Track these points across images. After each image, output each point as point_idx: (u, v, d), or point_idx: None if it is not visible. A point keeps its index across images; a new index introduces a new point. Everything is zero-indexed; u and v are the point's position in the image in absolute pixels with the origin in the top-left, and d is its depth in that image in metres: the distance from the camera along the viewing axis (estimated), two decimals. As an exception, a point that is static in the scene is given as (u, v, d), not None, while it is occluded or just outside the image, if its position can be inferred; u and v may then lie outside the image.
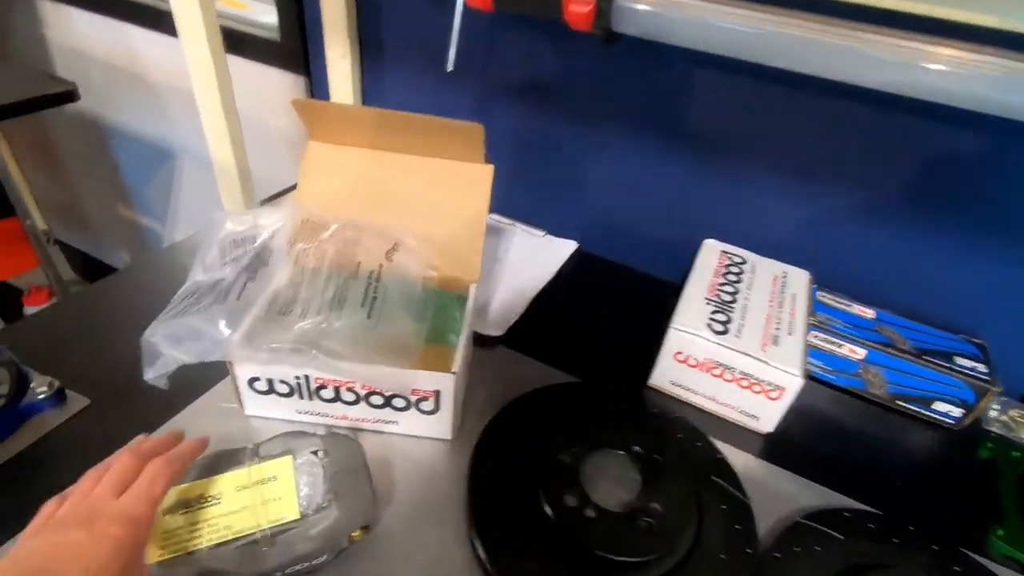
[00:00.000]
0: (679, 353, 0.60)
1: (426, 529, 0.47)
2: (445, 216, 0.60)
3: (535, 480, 0.48)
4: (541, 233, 0.87)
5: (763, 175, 0.72)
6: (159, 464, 0.37)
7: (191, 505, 0.41)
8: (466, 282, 0.60)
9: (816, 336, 0.65)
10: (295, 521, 0.40)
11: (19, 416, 0.52)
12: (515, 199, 0.82)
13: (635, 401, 0.60)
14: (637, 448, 0.52)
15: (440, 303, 0.57)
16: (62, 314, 0.68)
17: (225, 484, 0.42)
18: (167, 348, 0.46)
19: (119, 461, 0.37)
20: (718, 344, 0.57)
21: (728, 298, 0.63)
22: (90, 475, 0.37)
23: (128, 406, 0.55)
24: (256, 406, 0.54)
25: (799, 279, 0.67)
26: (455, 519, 0.48)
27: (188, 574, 0.37)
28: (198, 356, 0.46)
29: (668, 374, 0.62)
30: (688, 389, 0.61)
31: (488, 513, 0.47)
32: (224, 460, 0.43)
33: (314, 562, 0.42)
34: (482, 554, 0.44)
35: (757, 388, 0.57)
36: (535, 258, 0.81)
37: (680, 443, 0.54)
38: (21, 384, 0.53)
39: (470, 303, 0.57)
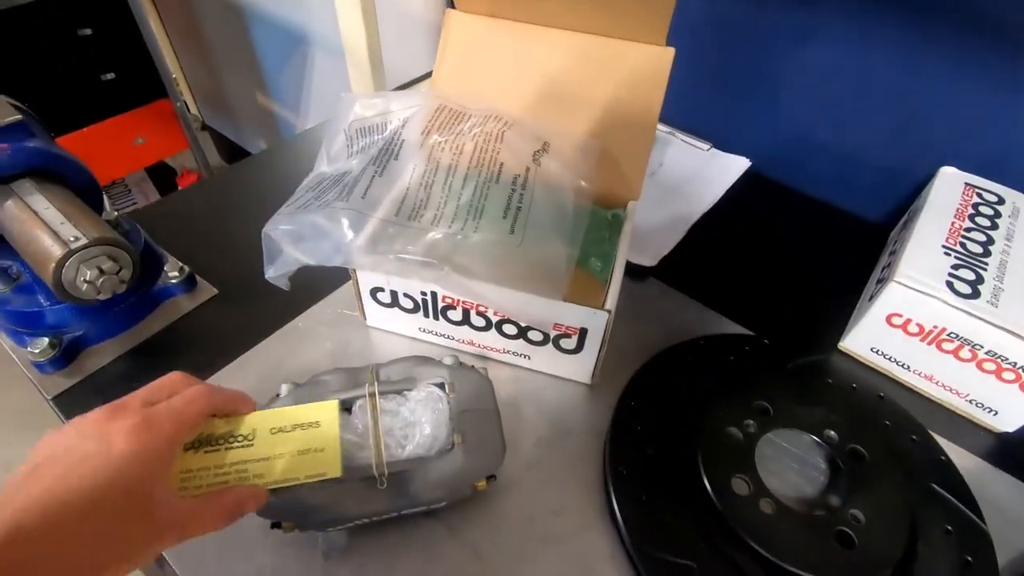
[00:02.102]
0: (896, 315, 0.45)
1: (554, 487, 0.40)
2: (607, 113, 0.48)
3: (695, 453, 0.39)
4: (706, 146, 0.72)
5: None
6: (202, 388, 0.30)
7: (215, 443, 0.32)
8: (624, 199, 0.48)
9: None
10: (415, 460, 0.35)
11: (152, 299, 0.51)
12: (676, 100, 0.66)
13: (822, 368, 0.48)
14: (831, 432, 0.40)
15: (590, 221, 0.46)
16: (194, 199, 0.67)
17: (257, 422, 0.33)
18: (288, 246, 0.40)
19: (166, 376, 0.31)
20: (962, 310, 0.42)
21: (978, 249, 0.46)
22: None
23: (253, 300, 0.52)
24: (378, 317, 0.49)
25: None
26: (589, 481, 0.41)
27: (300, 510, 0.33)
28: (319, 259, 0.40)
29: (871, 339, 0.48)
30: (897, 362, 0.47)
31: (632, 482, 0.39)
32: (344, 379, 0.38)
33: (431, 507, 0.37)
34: (624, 534, 0.36)
35: (1010, 375, 0.42)
36: (697, 176, 0.67)
37: (888, 433, 0.42)
38: (155, 267, 0.52)
39: (628, 225, 0.46)
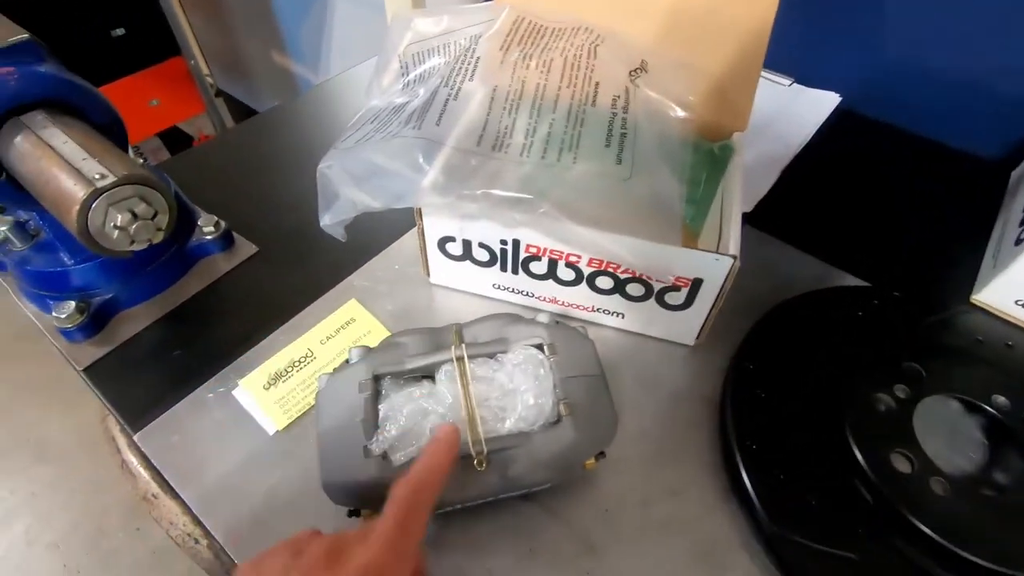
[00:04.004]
0: (1057, 261, 0.38)
1: (666, 464, 0.35)
2: (710, 27, 0.40)
3: (841, 424, 0.32)
4: (787, 81, 0.64)
5: None
6: (407, 498, 0.24)
7: (288, 371, 0.38)
8: (728, 129, 0.41)
9: None
10: (517, 436, 0.29)
11: (187, 258, 0.45)
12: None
13: (966, 324, 0.41)
14: (999, 398, 0.34)
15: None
16: (219, 153, 0.60)
17: (311, 340, 0.40)
18: (346, 187, 0.34)
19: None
20: None
21: None
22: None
23: (296, 258, 0.46)
24: (444, 273, 0.42)
25: None
26: (706, 456, 0.35)
27: (382, 496, 0.28)
28: (385, 201, 0.34)
29: (1019, 289, 0.41)
30: (1053, 316, 0.41)
31: (765, 458, 0.32)
32: (423, 341, 0.32)
33: (531, 490, 0.31)
34: (763, 518, 0.30)
35: None
36: (782, 115, 0.60)
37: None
38: (188, 222, 0.46)
39: (738, 159, 0.39)
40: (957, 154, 0.56)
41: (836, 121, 0.59)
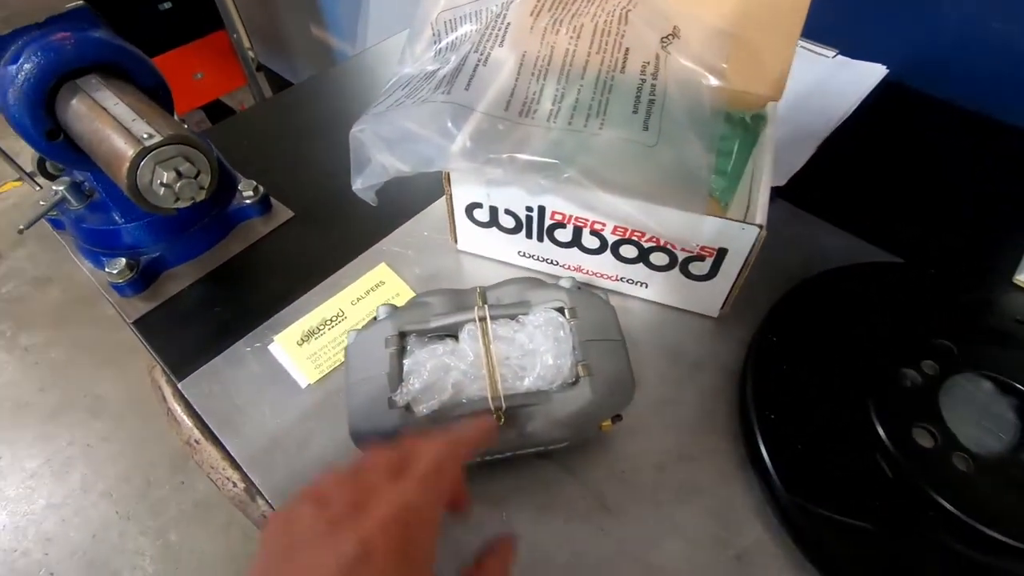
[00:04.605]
0: (1110, 240, 0.37)
1: (684, 431, 0.35)
2: (747, -8, 0.39)
3: (863, 398, 0.32)
4: (831, 53, 0.61)
5: None
6: (444, 448, 0.23)
7: (320, 329, 0.40)
8: (763, 99, 0.40)
9: None
10: (535, 394, 0.30)
11: (228, 221, 0.47)
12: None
13: (1005, 304, 0.40)
14: (1034, 377, 0.33)
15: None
16: (259, 121, 0.62)
17: (342, 300, 0.42)
18: (378, 151, 0.35)
19: (365, 459, 0.23)
20: None
21: None
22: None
23: (331, 223, 0.48)
24: (471, 240, 0.43)
25: None
26: (725, 425, 0.35)
27: (387, 440, 0.29)
28: (415, 165, 0.34)
29: (1065, 271, 0.39)
30: (1101, 298, 0.39)
31: (784, 429, 0.33)
32: (448, 301, 0.33)
33: (548, 448, 0.32)
34: (779, 487, 0.31)
35: None
36: (824, 88, 0.58)
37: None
38: (229, 186, 0.48)
39: (770, 129, 0.39)
40: (1010, 129, 0.54)
41: (883, 94, 0.57)
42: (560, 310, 0.32)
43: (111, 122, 0.32)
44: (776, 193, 0.48)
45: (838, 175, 0.50)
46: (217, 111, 1.51)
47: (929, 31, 0.56)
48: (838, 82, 0.58)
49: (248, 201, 0.48)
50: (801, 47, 0.63)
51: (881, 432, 0.31)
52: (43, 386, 1.24)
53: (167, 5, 1.16)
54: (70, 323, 1.35)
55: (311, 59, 1.60)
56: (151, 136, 0.31)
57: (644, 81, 0.34)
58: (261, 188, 0.48)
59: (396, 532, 0.19)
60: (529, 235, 0.40)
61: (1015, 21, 0.51)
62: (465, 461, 0.24)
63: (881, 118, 0.55)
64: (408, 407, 0.30)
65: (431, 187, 0.48)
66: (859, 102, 0.56)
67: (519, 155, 0.32)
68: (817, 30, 0.61)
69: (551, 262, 0.42)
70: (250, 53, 1.34)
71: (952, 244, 0.45)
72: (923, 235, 0.45)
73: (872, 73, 0.59)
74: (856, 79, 0.59)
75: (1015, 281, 0.42)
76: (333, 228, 0.48)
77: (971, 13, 0.53)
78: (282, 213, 0.49)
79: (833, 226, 0.46)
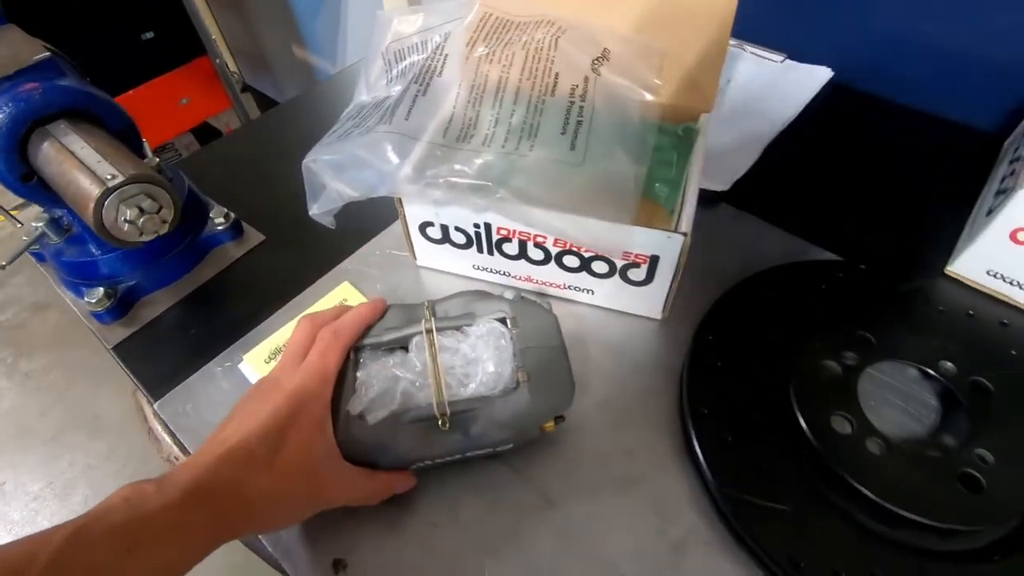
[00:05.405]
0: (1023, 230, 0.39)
1: (626, 428, 0.37)
2: (677, 14, 0.42)
3: (786, 389, 0.35)
4: (779, 57, 0.64)
5: None
6: (327, 338, 0.33)
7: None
8: (695, 111, 0.43)
9: None
10: (478, 400, 0.32)
11: (201, 247, 0.50)
12: (742, 6, 0.59)
13: (929, 295, 0.42)
14: (946, 364, 0.35)
15: (655, 140, 0.41)
16: (236, 147, 0.65)
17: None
18: (330, 179, 0.38)
19: (294, 333, 0.34)
20: (1113, 220, 0.35)
21: None
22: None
23: (300, 245, 0.51)
24: (428, 256, 0.46)
25: None
26: (664, 421, 0.37)
27: (360, 450, 0.32)
28: (363, 191, 0.37)
29: (988, 260, 0.42)
30: (1022, 286, 0.41)
31: (715, 422, 0.35)
32: (398, 316, 0.36)
33: (496, 449, 0.34)
34: (708, 476, 0.33)
35: None
36: (771, 92, 0.60)
37: (1017, 363, 0.36)
38: (201, 214, 0.51)
39: (702, 140, 0.41)
40: (951, 125, 0.56)
41: (829, 96, 0.60)
42: (503, 320, 0.35)
43: (77, 164, 0.35)
44: (719, 197, 0.51)
45: (781, 177, 0.52)
46: (205, 133, 1.54)
47: (867, 33, 0.59)
48: (784, 86, 0.61)
49: (220, 227, 0.50)
50: (750, 52, 0.65)
51: (802, 421, 0.33)
52: (44, 410, 1.27)
53: (149, 35, 1.19)
54: (68, 345, 1.38)
55: (294, 78, 1.63)
56: (114, 176, 0.34)
57: (573, 103, 0.37)
58: (232, 215, 0.51)
59: (295, 400, 0.30)
60: (480, 249, 0.42)
61: (941, 22, 0.53)
62: (349, 339, 0.33)
63: (825, 119, 0.58)
64: (361, 416, 0.32)
65: (390, 207, 0.50)
66: (804, 105, 0.59)
67: (454, 179, 0.34)
68: (766, 35, 0.64)
69: (504, 274, 0.44)
70: (234, 75, 1.37)
71: (889, 239, 0.47)
72: (862, 232, 0.48)
73: (817, 76, 0.62)
74: (801, 83, 0.61)
75: (947, 272, 0.45)
76: (301, 250, 0.50)
77: (902, 15, 0.55)
78: (254, 237, 0.52)
79: (776, 227, 0.48)
